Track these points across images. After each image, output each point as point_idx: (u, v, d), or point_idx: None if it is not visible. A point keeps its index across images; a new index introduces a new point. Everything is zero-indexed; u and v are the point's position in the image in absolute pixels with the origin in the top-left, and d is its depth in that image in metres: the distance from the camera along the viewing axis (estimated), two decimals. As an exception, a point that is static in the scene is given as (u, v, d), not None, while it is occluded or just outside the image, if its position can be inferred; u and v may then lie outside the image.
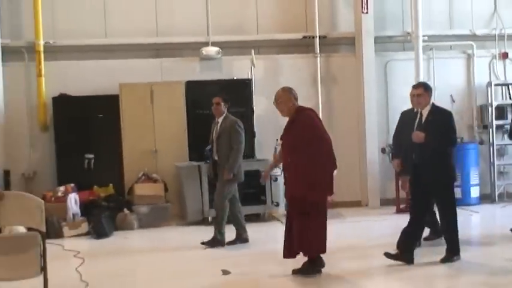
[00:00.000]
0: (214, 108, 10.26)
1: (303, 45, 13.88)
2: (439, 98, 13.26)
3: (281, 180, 12.57)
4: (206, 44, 13.46)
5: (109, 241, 11.11)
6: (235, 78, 13.27)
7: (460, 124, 13.25)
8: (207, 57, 13.45)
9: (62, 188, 12.16)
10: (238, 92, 12.83)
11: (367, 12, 13.41)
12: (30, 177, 13.07)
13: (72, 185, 12.15)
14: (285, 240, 8.14)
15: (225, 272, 8.22)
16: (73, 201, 11.80)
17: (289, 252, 8.12)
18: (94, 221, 11.48)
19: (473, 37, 14.18)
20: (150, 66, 13.33)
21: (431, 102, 8.56)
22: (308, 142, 7.94)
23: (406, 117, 9.13)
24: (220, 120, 10.20)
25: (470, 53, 14.17)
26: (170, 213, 12.16)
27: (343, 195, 12.60)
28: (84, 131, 12.79)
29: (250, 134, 12.70)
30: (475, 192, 13.35)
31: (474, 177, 13.34)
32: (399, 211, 12.29)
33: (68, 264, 9.11)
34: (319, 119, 8.45)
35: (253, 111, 12.90)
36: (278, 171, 12.49)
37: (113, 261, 9.54)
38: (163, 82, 13.00)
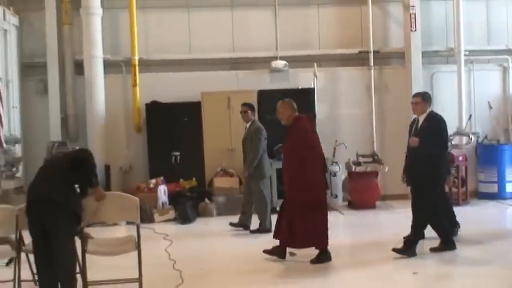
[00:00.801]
0: (242, 116, 10.84)
1: (359, 59, 14.25)
2: (478, 105, 13.85)
3: (340, 175, 13.48)
4: (275, 58, 13.93)
5: (192, 226, 11.67)
6: (300, 87, 13.76)
7: (496, 128, 13.83)
8: (276, 70, 13.92)
9: (153, 181, 12.79)
10: (303, 100, 12.82)
11: (415, 30, 13.75)
12: (126, 171, 13.78)
13: (162, 178, 12.75)
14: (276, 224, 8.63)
15: (292, 254, 8.54)
16: (162, 191, 12.49)
17: (276, 234, 8.57)
18: (180, 209, 12.10)
19: (509, 52, 14.51)
20: (227, 77, 13.87)
21: (428, 110, 8.62)
22: (299, 149, 8.26)
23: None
24: (247, 125, 10.83)
25: (506, 66, 14.52)
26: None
27: (393, 189, 13.15)
28: (172, 132, 13.22)
29: None
30: (510, 187, 13.69)
31: (509, 175, 13.66)
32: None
33: (158, 245, 9.62)
34: (313, 128, 8.73)
35: (315, 116, 13.31)
36: (337, 168, 13.36)
37: (195, 243, 10.08)
38: (238, 91, 13.43)
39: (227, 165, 13.06)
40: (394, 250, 8.37)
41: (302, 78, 14.07)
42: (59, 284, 6.38)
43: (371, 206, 13.06)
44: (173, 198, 12.55)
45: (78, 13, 13.40)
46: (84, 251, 6.46)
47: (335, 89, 14.00)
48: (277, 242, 8.56)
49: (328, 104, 14.06)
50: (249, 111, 10.83)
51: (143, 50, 13.89)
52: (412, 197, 8.82)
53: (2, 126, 11.60)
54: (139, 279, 6.47)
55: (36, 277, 6.85)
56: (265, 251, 8.55)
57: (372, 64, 14.14)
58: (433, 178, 8.46)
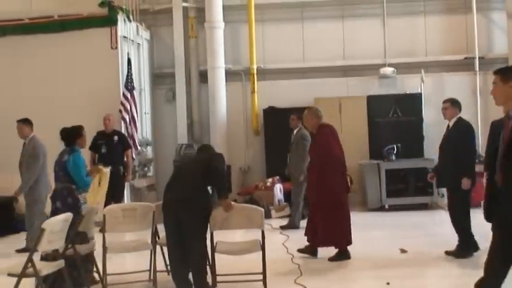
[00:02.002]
0: (291, 123, 10.89)
1: (465, 65, 13.87)
2: None
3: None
4: (384, 65, 13.76)
5: (305, 222, 11.82)
6: (407, 92, 13.56)
7: None
8: (384, 76, 13.71)
9: (269, 180, 12.85)
10: (410, 104, 13.28)
11: (518, 37, 13.17)
12: (245, 171, 14.02)
13: (278, 177, 12.70)
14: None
15: (403, 251, 8.36)
16: (278, 189, 12.51)
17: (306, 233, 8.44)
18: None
19: None
20: (339, 84, 13.82)
21: (458, 115, 8.17)
22: (321, 155, 8.16)
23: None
24: (295, 131, 10.79)
25: None
26: (354, 201, 12.16)
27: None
28: (287, 136, 12.46)
29: (420, 138, 13.14)
30: None
31: None
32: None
33: (276, 239, 9.49)
34: (335, 135, 8.38)
35: (422, 119, 13.18)
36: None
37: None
38: (349, 96, 13.46)
39: (338, 166, 12.90)
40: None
41: (409, 84, 13.84)
42: (191, 274, 6.52)
43: (476, 204, 12.53)
44: (289, 195, 12.25)
45: (203, 27, 13.79)
46: (213, 249, 6.54)
47: (441, 94, 13.14)
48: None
49: (435, 108, 13.38)
50: (296, 119, 10.79)
51: (261, 60, 14.04)
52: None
53: (136, 130, 11.94)
54: (263, 274, 6.49)
55: (169, 268, 6.99)
56: (299, 250, 8.43)
57: (477, 69, 13.72)
58: (459, 181, 7.95)
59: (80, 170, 7.07)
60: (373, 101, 13.27)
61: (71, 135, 7.28)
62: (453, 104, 8.24)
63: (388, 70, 13.72)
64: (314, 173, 8.28)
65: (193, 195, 6.47)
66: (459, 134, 8.06)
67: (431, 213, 11.98)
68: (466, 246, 7.98)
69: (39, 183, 9.46)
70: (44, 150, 9.52)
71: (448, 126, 8.28)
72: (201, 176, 6.57)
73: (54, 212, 6.95)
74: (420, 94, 13.48)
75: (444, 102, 8.42)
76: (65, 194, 7.03)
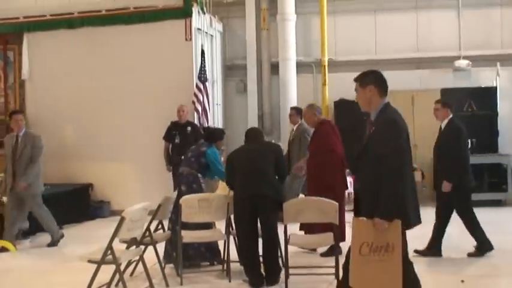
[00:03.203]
0: (291, 118, 10.82)
1: None
2: None
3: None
4: (458, 57, 13.47)
5: None
6: (482, 86, 13.28)
7: None
8: (459, 69, 13.43)
9: (341, 173, 13.11)
10: (485, 98, 12.98)
11: None
12: None
13: (347, 170, 12.96)
14: None
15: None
16: (349, 183, 12.65)
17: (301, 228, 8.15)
18: None
19: None
20: (411, 77, 13.61)
21: (450, 116, 8.03)
22: (321, 151, 8.19)
23: None
24: (295, 127, 10.68)
25: None
26: (425, 195, 12.02)
27: None
28: (359, 128, 13.16)
29: (494, 133, 12.86)
30: None
31: None
32: None
33: (349, 233, 9.62)
34: (336, 131, 8.44)
35: (497, 114, 12.90)
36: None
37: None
38: (422, 90, 13.23)
39: (410, 160, 12.75)
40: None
41: (484, 77, 13.51)
42: (265, 265, 6.61)
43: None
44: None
45: (275, 19, 13.85)
46: (286, 242, 6.58)
47: (518, 88, 13.21)
48: None
49: (510, 102, 13.38)
50: (294, 114, 10.74)
51: (332, 52, 13.96)
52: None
53: (208, 122, 12.10)
54: (335, 267, 6.49)
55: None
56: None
57: (555, 62, 13.24)
58: (456, 188, 7.89)
59: (218, 161, 7.62)
60: (447, 95, 12.70)
61: (215, 136, 7.89)
62: (444, 105, 8.14)
63: (463, 63, 13.43)
64: (314, 169, 8.29)
65: (269, 190, 6.61)
66: (448, 136, 7.98)
67: (505, 210, 11.80)
68: (484, 246, 7.94)
69: (39, 176, 9.46)
70: None
71: (440, 127, 8.21)
72: (273, 169, 6.76)
73: (179, 195, 7.30)
74: (495, 88, 13.16)
75: (435, 102, 8.32)
76: (190, 180, 7.52)
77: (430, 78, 13.62)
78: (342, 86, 13.32)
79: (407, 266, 4.94)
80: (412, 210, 4.84)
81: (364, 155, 4.88)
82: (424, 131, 12.12)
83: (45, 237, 9.84)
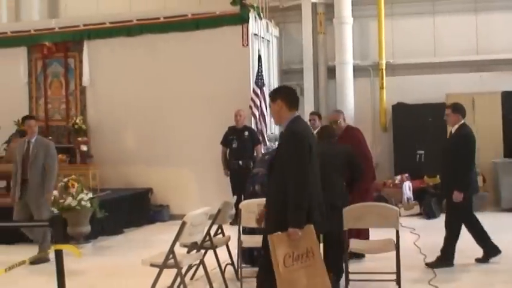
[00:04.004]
0: (312, 123, 10.54)
1: None
2: None
3: None
4: None
5: (437, 221, 11.07)
6: None
7: None
8: None
9: (398, 177, 12.69)
10: None
11: None
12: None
13: (407, 174, 12.58)
14: None
15: None
16: (407, 187, 12.29)
17: None
18: (425, 204, 11.84)
19: None
20: (471, 79, 13.36)
21: (461, 121, 7.90)
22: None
23: None
24: (316, 132, 10.53)
25: None
26: (486, 200, 12.12)
27: None
28: (416, 132, 12.98)
29: None
30: None
31: None
32: None
33: (406, 238, 9.12)
34: (364, 138, 8.36)
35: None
36: None
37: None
38: (482, 92, 12.93)
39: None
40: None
41: (548, 80, 13.10)
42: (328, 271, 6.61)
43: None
44: (417, 194, 12.29)
45: (331, 23, 13.84)
46: (346, 247, 6.57)
47: None
48: None
49: None
50: (317, 119, 10.79)
51: (390, 55, 13.86)
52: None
53: (266, 126, 12.13)
54: (397, 274, 6.43)
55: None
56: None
57: None
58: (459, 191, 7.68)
59: None
60: (508, 97, 12.76)
61: None
62: (455, 110, 8.02)
63: (525, 65, 13.07)
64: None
65: (339, 200, 6.58)
66: (457, 142, 7.84)
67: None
68: (447, 258, 7.77)
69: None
70: None
71: (451, 132, 8.12)
72: (340, 174, 6.73)
73: (252, 195, 7.42)
74: (559, 91, 12.78)
75: (446, 108, 8.24)
76: (265, 180, 7.41)
77: (490, 81, 13.31)
78: (400, 90, 13.64)
79: None
80: (319, 219, 5.10)
81: (273, 166, 5.19)
82: (485, 134, 11.86)
83: (108, 241, 10.05)
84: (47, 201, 8.84)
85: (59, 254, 4.65)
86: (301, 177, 4.89)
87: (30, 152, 8.83)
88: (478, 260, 7.89)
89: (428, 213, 11.75)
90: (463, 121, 7.96)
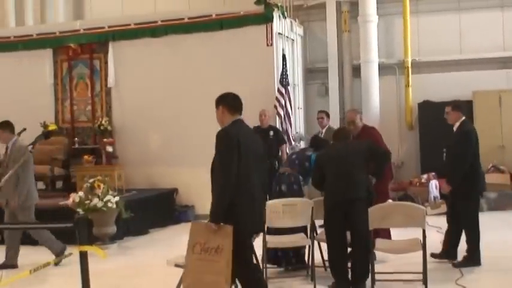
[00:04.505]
0: (320, 121, 11.25)
1: None
2: None
3: None
4: None
5: None
6: None
7: None
8: None
9: (424, 176, 12.54)
10: None
11: None
12: (399, 166, 13.64)
13: (433, 173, 12.33)
14: None
15: None
16: (434, 186, 12.06)
17: None
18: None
19: None
20: (498, 76, 13.24)
21: (462, 118, 7.94)
22: None
23: None
24: (323, 130, 11.09)
25: None
26: None
27: None
28: (443, 130, 12.63)
29: None
30: None
31: None
32: None
33: (432, 238, 8.34)
34: (381, 136, 8.35)
35: None
36: None
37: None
38: (509, 89, 12.87)
39: (498, 162, 12.49)
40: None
41: None
42: (354, 271, 6.61)
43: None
44: (443, 193, 12.06)
45: (356, 21, 13.77)
46: (372, 247, 6.55)
47: None
48: None
49: None
50: (325, 118, 11.00)
51: (415, 52, 13.77)
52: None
53: (291, 126, 12.11)
54: (423, 274, 6.39)
55: (327, 264, 7.10)
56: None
57: None
58: (464, 195, 7.71)
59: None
60: None
61: (320, 146, 7.83)
62: (454, 108, 8.06)
63: (552, 61, 12.92)
64: None
65: (362, 192, 6.57)
66: (458, 139, 7.89)
67: None
68: (473, 257, 7.66)
69: (32, 190, 8.67)
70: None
71: (453, 129, 8.11)
72: (363, 166, 6.69)
73: (278, 194, 7.44)
74: None
75: (446, 106, 8.23)
76: (292, 180, 7.61)
77: None
78: (426, 88, 13.55)
79: (247, 269, 5.39)
80: (250, 218, 5.29)
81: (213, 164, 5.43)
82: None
83: (133, 242, 10.10)
84: (11, 207, 8.47)
85: (83, 256, 4.67)
86: (224, 176, 5.18)
87: (6, 158, 8.51)
88: (454, 265, 7.73)
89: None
90: (463, 118, 8.01)
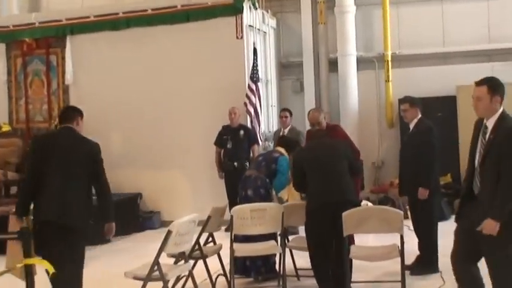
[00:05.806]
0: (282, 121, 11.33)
1: None
2: None
3: None
4: None
5: (447, 223, 10.82)
6: None
7: None
8: None
9: (405, 176, 12.87)
10: None
11: None
12: (379, 166, 13.74)
13: None
14: None
15: None
16: None
17: None
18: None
19: None
20: (482, 70, 12.96)
21: (419, 116, 8.01)
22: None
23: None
24: (286, 130, 11.14)
25: None
26: None
27: None
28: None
29: None
30: None
31: None
32: None
33: (414, 243, 8.44)
34: (346, 133, 8.39)
35: None
36: None
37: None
38: (495, 84, 13.01)
39: (482, 160, 12.42)
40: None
41: None
42: (336, 276, 6.53)
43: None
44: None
45: (332, 12, 13.73)
46: (347, 254, 6.50)
47: None
48: None
49: None
50: (289, 116, 11.15)
51: (396, 45, 13.73)
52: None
53: (259, 124, 11.99)
54: (401, 282, 6.34)
55: (299, 272, 7.03)
56: None
57: None
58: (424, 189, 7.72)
59: (286, 171, 7.59)
60: None
61: (291, 146, 7.90)
62: (412, 104, 8.11)
63: (541, 54, 12.91)
64: None
65: (351, 194, 6.59)
66: (418, 138, 7.87)
67: None
68: (429, 262, 7.69)
69: None
70: None
71: (409, 128, 8.15)
72: (348, 170, 6.68)
73: (244, 200, 7.37)
74: None
75: (402, 103, 8.35)
76: (258, 184, 7.51)
77: (503, 71, 12.57)
78: (407, 82, 13.33)
79: None
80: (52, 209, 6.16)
81: None
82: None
83: (92, 251, 9.93)
84: None
85: (28, 269, 4.51)
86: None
87: None
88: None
89: (439, 215, 11.47)
90: (420, 115, 8.04)
